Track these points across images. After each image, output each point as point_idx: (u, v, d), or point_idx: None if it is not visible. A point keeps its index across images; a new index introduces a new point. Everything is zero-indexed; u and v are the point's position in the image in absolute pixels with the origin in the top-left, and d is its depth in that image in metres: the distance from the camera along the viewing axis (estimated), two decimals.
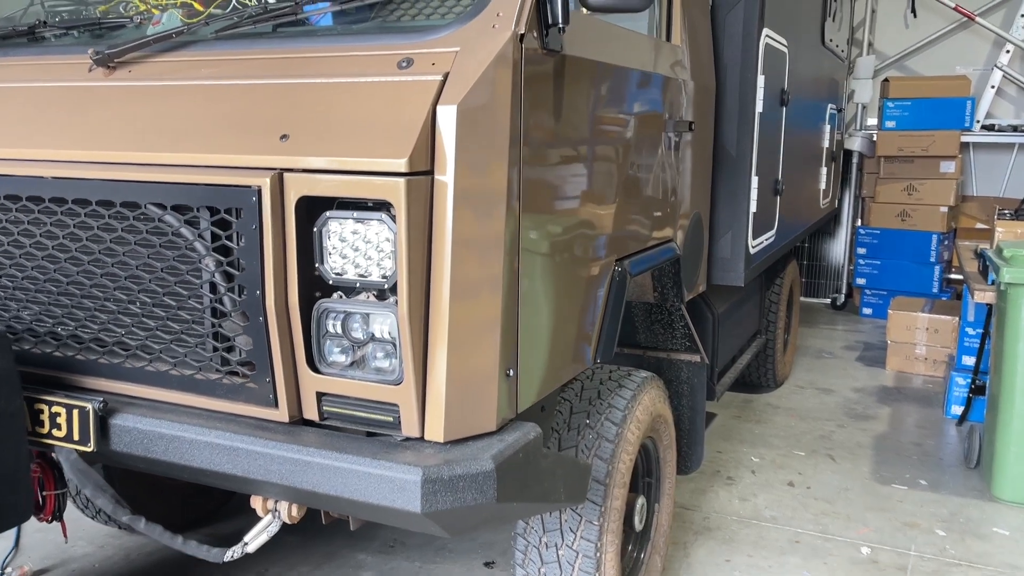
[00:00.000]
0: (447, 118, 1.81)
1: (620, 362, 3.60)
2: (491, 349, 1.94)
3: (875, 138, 8.01)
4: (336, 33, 2.16)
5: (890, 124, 7.96)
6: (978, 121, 8.01)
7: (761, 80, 3.79)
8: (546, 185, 2.15)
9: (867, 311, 8.28)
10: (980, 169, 8.40)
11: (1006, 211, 5.84)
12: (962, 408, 5.11)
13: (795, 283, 6.27)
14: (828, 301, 8.74)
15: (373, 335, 1.95)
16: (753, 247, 3.99)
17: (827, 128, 6.13)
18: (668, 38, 3.14)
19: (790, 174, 4.84)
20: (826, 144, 6.15)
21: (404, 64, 1.91)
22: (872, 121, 8.61)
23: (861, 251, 8.16)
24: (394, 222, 1.83)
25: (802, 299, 7.91)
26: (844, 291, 8.61)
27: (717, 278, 3.93)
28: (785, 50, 4.29)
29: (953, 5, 8.02)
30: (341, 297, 1.98)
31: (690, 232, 3.45)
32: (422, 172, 1.81)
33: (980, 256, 4.66)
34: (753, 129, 3.79)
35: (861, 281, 8.23)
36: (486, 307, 1.92)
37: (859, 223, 8.43)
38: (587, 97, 2.35)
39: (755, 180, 3.86)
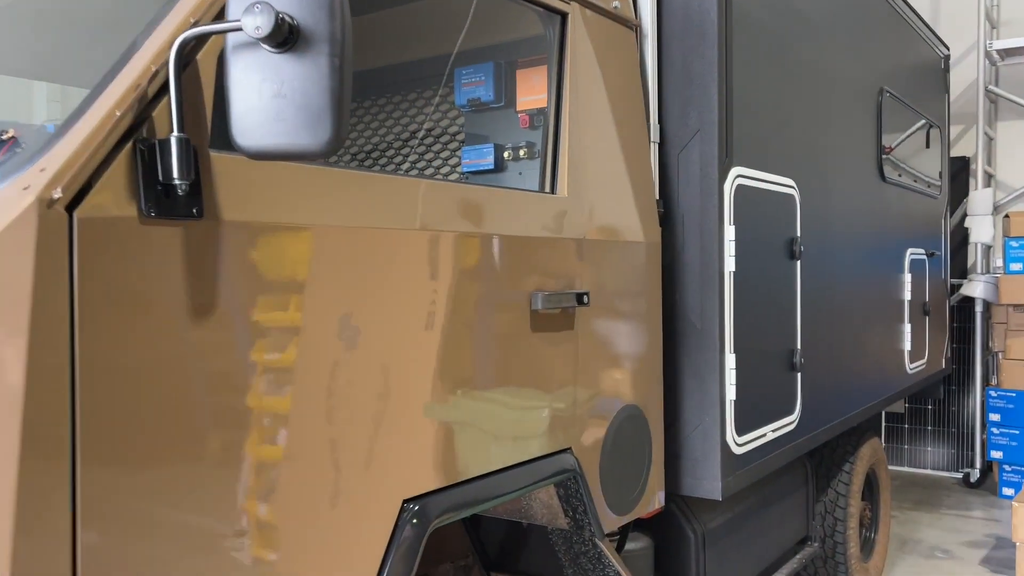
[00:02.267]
0: None
1: None
2: None
3: (998, 283, 6.75)
4: None
5: (1015, 267, 6.70)
6: None
7: (730, 232, 2.95)
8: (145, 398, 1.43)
9: (1008, 491, 6.77)
10: None
11: None
12: None
13: (878, 466, 5.07)
14: (960, 476, 7.27)
15: None
16: (740, 444, 3.04)
17: (906, 277, 5.06)
18: (553, 190, 2.41)
19: (827, 341, 3.85)
20: (907, 296, 5.07)
21: None
22: (999, 262, 7.34)
23: (994, 418, 6.75)
24: None
25: (929, 472, 6.56)
26: (979, 465, 7.14)
27: (687, 488, 2.99)
28: (791, 192, 3.43)
29: None
30: None
31: (613, 435, 2.58)
32: None
33: None
34: (722, 293, 2.93)
35: (996, 455, 6.77)
36: None
37: (992, 382, 7.05)
38: (282, 268, 1.64)
39: (731, 358, 2.96)
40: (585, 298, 2.39)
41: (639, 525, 3.13)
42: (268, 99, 1.40)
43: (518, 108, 2.95)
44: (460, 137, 3.29)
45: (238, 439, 1.53)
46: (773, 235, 3.29)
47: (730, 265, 2.96)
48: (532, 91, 2.88)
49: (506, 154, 2.97)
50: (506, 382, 2.15)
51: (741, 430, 3.04)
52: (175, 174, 1.40)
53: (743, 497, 3.53)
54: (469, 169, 3.04)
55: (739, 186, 3.02)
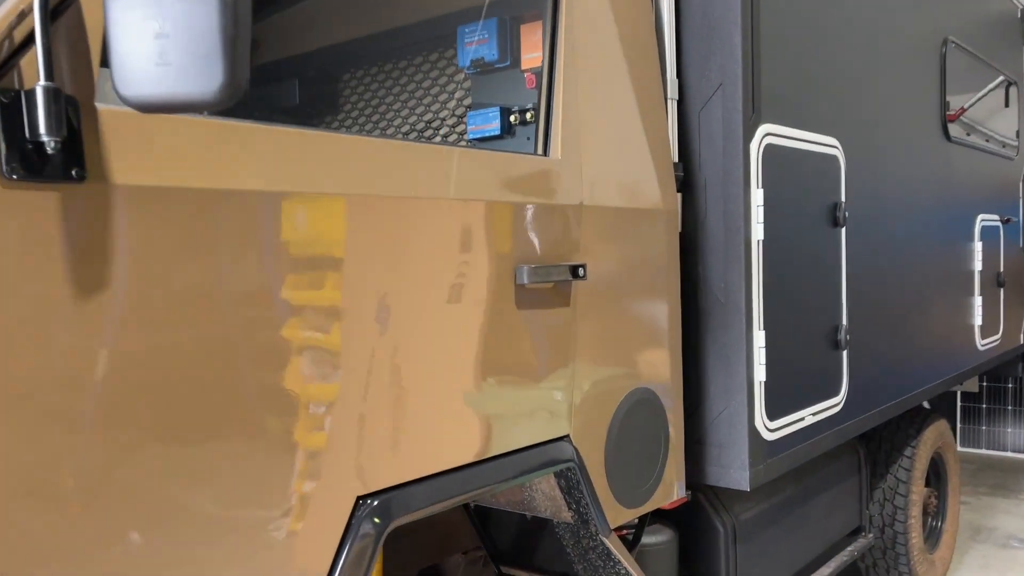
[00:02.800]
0: None
1: None
2: None
3: None
4: None
5: None
6: None
7: (758, 196, 2.67)
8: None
9: None
10: None
11: None
12: None
13: (945, 449, 4.70)
14: None
15: None
16: (773, 429, 2.77)
17: (976, 246, 4.66)
18: (545, 151, 2.17)
19: (880, 316, 3.52)
20: (977, 266, 4.66)
21: None
22: None
23: None
24: None
25: (1007, 455, 6.12)
26: None
27: (712, 477, 2.74)
28: (834, 152, 3.12)
29: None
30: None
31: (620, 421, 2.35)
32: None
33: None
34: (749, 264, 2.66)
35: None
36: None
37: None
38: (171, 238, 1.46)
39: (760, 336, 2.68)
40: (581, 271, 2.15)
41: (662, 516, 2.90)
42: (150, 40, 1.21)
43: (523, 67, 2.72)
44: (467, 102, 3.07)
45: (139, 430, 1.36)
46: (812, 200, 2.98)
47: (758, 233, 2.68)
48: (536, 48, 2.64)
49: (512, 118, 2.73)
50: (484, 365, 1.94)
51: (773, 414, 2.77)
52: (42, 130, 1.22)
53: (781, 486, 3.25)
54: (476, 136, 2.82)
55: (768, 146, 2.73)
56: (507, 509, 2.49)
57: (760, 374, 2.70)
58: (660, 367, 2.52)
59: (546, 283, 2.09)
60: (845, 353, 3.22)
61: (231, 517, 1.48)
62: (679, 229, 2.68)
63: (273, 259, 1.54)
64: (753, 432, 2.69)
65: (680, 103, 2.73)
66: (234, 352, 1.48)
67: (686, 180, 2.73)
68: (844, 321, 3.20)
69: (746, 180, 2.65)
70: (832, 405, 3.14)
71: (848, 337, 3.23)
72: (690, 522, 2.92)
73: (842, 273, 3.19)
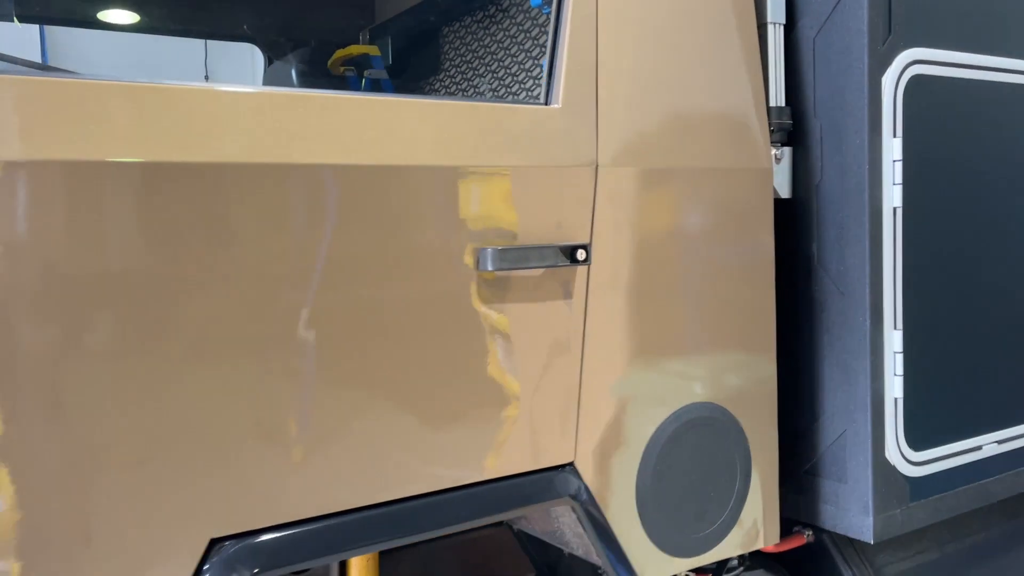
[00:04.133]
0: None
1: None
2: None
3: None
4: None
5: None
6: None
7: (894, 148, 1.96)
8: None
9: None
10: None
11: None
12: None
13: None
14: None
15: None
16: (917, 463, 2.06)
17: None
18: (548, 98, 1.68)
19: None
20: None
21: None
22: None
23: None
24: None
25: None
26: None
27: (828, 519, 2.09)
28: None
29: None
30: None
31: (664, 446, 1.81)
32: None
33: None
34: (878, 241, 1.97)
35: None
36: None
37: None
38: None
39: (895, 337, 1.99)
40: (581, 254, 1.64)
41: (775, 558, 2.29)
42: None
43: None
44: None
45: None
46: (986, 153, 2.18)
47: (893, 198, 1.98)
48: None
49: None
50: (426, 373, 1.51)
51: (919, 442, 2.06)
52: None
53: (955, 534, 2.47)
54: None
55: (915, 78, 2.00)
56: (547, 541, 2.05)
57: (895, 388, 2.00)
58: (739, 378, 1.93)
59: (527, 269, 1.61)
60: None
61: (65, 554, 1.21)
62: (775, 194, 2.04)
63: (133, 239, 1.23)
64: (882, 465, 2.00)
65: (789, 28, 2.07)
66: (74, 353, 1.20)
67: (796, 130, 2.08)
68: None
69: (874, 126, 1.95)
70: (1013, 435, 2.32)
71: None
72: (811, 572, 2.28)
73: None
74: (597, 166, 1.70)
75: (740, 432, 1.93)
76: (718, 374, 1.90)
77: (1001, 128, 2.17)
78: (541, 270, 1.63)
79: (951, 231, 2.09)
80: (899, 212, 1.99)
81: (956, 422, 2.14)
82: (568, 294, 1.67)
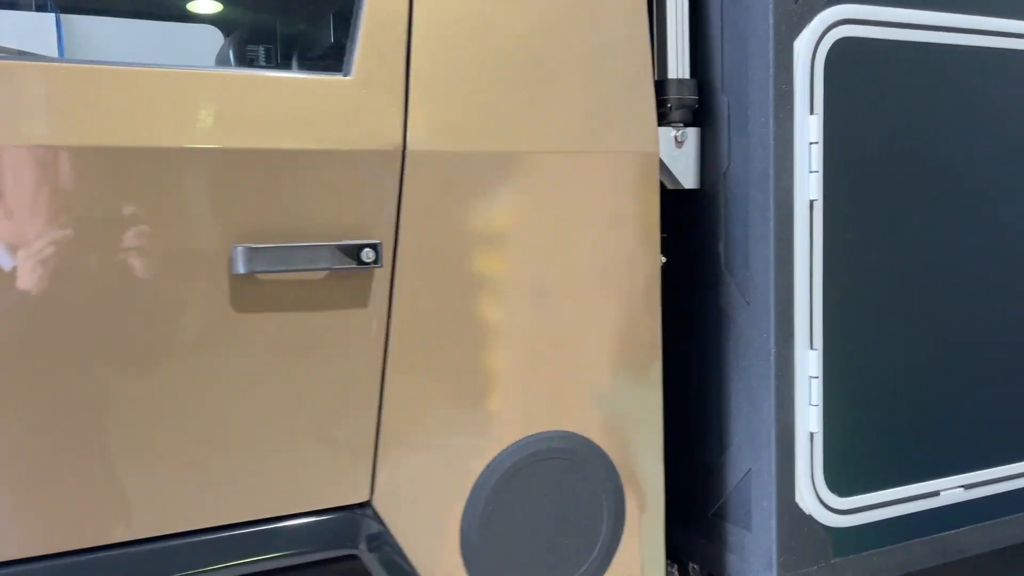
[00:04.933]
0: None
1: None
2: None
3: None
4: None
5: None
6: None
7: (811, 127, 1.60)
8: None
9: None
10: None
11: None
12: None
13: None
14: None
15: None
16: (843, 511, 1.70)
17: None
18: (348, 70, 1.41)
19: None
20: None
21: None
22: None
23: None
24: None
25: None
26: None
27: (734, 571, 1.76)
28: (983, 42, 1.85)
29: None
30: None
31: (498, 485, 1.52)
32: None
33: None
34: (789, 241, 1.62)
35: None
36: None
37: None
38: None
39: (812, 359, 1.63)
40: (369, 254, 1.36)
41: None
42: None
43: None
44: None
45: None
46: (931, 133, 1.77)
47: (809, 189, 1.62)
48: None
49: None
50: (175, 394, 1.28)
51: (845, 485, 1.69)
52: None
53: None
54: None
55: (841, 42, 1.63)
56: None
57: (810, 420, 1.65)
58: (608, 402, 1.61)
59: (296, 272, 1.35)
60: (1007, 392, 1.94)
61: None
62: (677, 184, 1.71)
63: None
64: (791, 511, 1.66)
65: None
66: None
67: (704, 108, 1.74)
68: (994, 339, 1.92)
69: (782, 100, 1.60)
70: (983, 480, 1.90)
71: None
72: None
73: (995, 259, 1.91)
74: (405, 150, 1.43)
75: (609, 467, 1.62)
76: (579, 398, 1.59)
77: (950, 102, 1.76)
78: (323, 274, 1.37)
79: (885, 229, 1.70)
80: (817, 206, 1.63)
81: (900, 463, 1.76)
82: (362, 302, 1.41)
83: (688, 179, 1.75)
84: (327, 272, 1.37)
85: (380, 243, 1.38)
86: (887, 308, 1.71)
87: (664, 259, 1.69)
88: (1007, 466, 1.89)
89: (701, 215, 1.76)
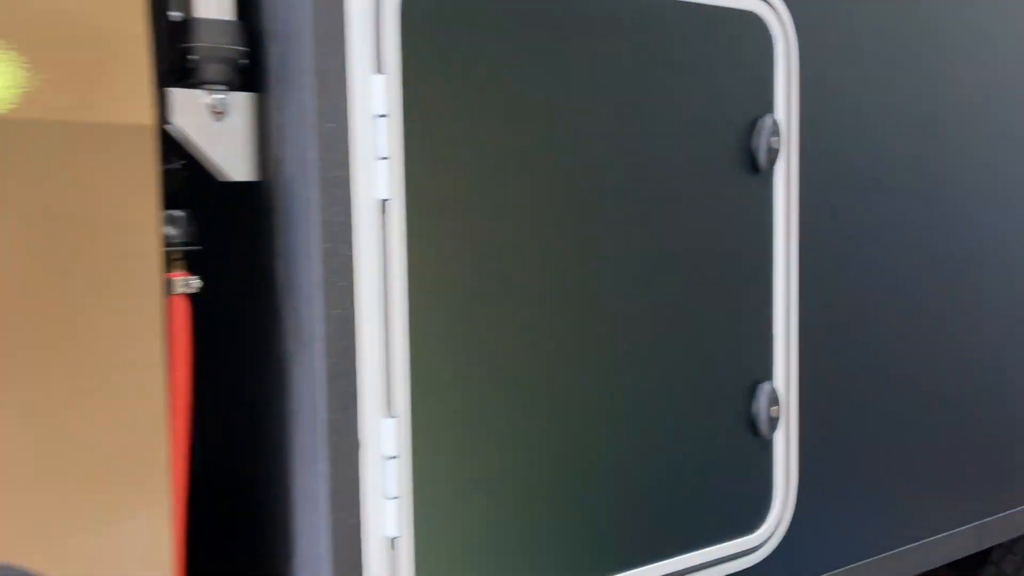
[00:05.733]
0: None
1: None
2: None
3: None
4: None
5: None
6: None
7: (377, 90, 1.09)
8: None
9: None
10: None
11: None
12: None
13: None
14: None
15: None
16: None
17: None
18: None
19: (868, 365, 1.73)
20: None
21: None
22: None
23: None
24: None
25: None
26: None
27: None
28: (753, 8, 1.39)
29: None
30: None
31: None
32: None
33: None
34: (343, 256, 1.09)
35: None
36: None
37: None
38: None
39: (388, 427, 1.12)
40: None
41: None
42: None
43: None
44: None
45: None
46: (565, 99, 1.30)
47: (376, 185, 1.10)
48: None
49: None
50: None
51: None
52: None
53: None
54: None
55: None
56: None
57: (387, 521, 1.13)
58: (65, 507, 1.06)
59: None
60: (781, 443, 1.50)
61: None
62: (221, 174, 1.18)
63: None
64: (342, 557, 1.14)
65: None
66: None
67: (258, 64, 1.21)
68: (779, 379, 1.48)
69: (327, 51, 1.07)
70: (739, 552, 1.45)
71: (790, 410, 1.49)
72: None
73: (775, 271, 1.46)
74: None
75: None
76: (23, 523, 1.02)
77: (595, 56, 1.28)
78: None
79: (502, 240, 1.20)
80: (392, 208, 1.11)
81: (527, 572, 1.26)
82: None
83: (237, 167, 1.20)
84: None
85: None
86: (499, 353, 1.21)
87: (200, 283, 1.15)
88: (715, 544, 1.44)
89: (261, 220, 1.23)
